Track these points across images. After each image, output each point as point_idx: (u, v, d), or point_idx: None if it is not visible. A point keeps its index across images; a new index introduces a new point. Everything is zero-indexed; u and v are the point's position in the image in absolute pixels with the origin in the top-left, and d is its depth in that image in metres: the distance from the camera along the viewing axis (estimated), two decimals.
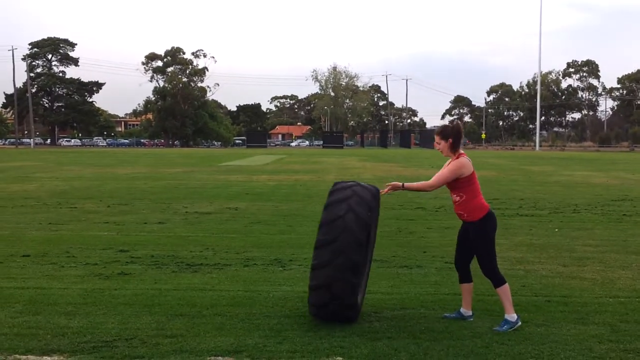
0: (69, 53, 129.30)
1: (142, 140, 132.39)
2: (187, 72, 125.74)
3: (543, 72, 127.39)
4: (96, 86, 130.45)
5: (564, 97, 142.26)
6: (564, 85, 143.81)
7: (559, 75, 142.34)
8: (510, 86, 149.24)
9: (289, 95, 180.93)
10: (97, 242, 10.89)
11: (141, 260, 9.36)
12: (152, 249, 10.33)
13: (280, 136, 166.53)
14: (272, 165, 40.39)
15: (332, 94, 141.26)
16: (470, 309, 6.56)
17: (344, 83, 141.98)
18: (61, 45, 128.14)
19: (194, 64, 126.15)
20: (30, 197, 18.88)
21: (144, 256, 9.68)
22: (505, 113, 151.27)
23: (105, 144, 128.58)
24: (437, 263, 9.39)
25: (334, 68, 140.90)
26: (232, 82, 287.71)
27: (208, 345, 5.59)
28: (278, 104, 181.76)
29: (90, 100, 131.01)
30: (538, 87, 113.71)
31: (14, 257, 9.55)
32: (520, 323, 6.25)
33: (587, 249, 10.66)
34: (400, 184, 6.41)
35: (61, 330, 5.98)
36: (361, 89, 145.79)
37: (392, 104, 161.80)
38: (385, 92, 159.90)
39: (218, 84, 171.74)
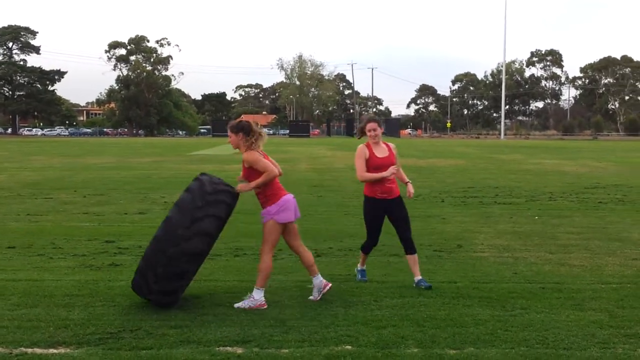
0: (30, 41, 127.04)
1: (104, 130, 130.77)
2: (151, 60, 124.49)
3: (507, 62, 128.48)
4: (58, 75, 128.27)
5: (527, 86, 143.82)
6: (527, 74, 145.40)
7: (523, 64, 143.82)
8: (474, 75, 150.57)
9: (254, 84, 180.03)
10: (80, 233, 10.75)
11: (129, 251, 9.27)
12: (137, 239, 10.22)
13: None
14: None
15: (298, 82, 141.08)
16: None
17: (309, 72, 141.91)
18: (22, 33, 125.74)
19: (158, 52, 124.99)
20: (1, 187, 18.55)
21: (131, 247, 9.59)
22: (470, 102, 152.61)
23: (67, 134, 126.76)
24: (425, 251, 9.50)
25: (300, 57, 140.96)
26: (197, 71, 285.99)
27: (215, 336, 5.56)
28: (243, 93, 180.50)
29: (52, 89, 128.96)
30: (503, 76, 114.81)
31: None
32: None
33: (570, 236, 10.80)
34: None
35: (63, 323, 5.90)
36: (327, 77, 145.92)
37: (357, 93, 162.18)
38: (351, 81, 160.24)
39: (182, 73, 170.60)
